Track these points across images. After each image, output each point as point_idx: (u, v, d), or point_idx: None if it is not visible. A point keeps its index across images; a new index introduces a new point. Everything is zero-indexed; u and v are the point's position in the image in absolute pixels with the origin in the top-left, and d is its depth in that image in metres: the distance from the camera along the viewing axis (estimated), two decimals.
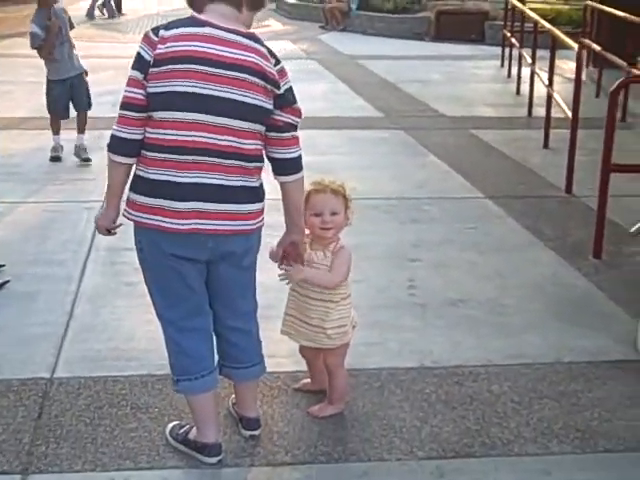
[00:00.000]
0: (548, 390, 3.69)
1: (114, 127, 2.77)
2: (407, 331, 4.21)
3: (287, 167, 2.88)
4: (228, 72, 2.67)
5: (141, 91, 2.69)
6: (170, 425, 3.25)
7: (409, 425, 3.39)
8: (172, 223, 2.72)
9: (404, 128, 9.01)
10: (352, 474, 3.08)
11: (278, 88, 2.76)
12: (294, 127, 2.85)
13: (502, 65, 13.40)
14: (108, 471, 3.02)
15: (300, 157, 2.91)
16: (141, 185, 2.77)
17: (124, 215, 2.87)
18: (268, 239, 3.17)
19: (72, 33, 7.28)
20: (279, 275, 3.20)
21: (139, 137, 2.75)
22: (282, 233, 3.16)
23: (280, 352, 3.75)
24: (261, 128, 2.79)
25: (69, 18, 7.23)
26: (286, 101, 2.79)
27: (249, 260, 2.95)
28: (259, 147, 2.82)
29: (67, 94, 7.09)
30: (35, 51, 6.99)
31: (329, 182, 3.19)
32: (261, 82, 2.71)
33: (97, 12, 20.49)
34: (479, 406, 3.54)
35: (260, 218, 2.90)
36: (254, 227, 2.87)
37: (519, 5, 11.95)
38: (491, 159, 7.89)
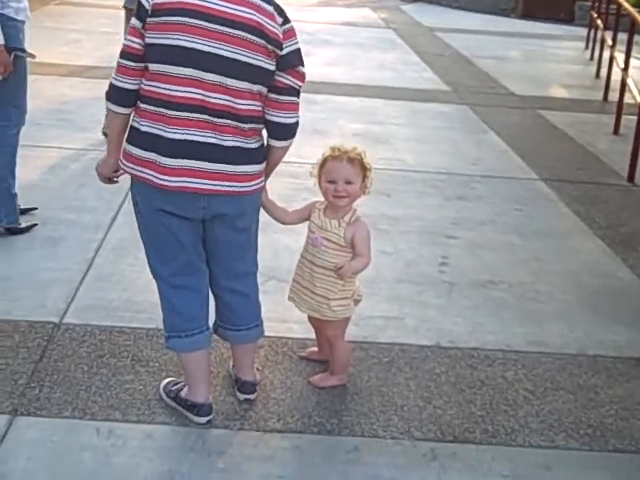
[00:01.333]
0: (566, 382, 3.52)
1: (112, 75, 2.70)
2: (428, 308, 4.07)
3: (281, 131, 2.75)
4: (224, 28, 2.54)
5: (139, 40, 2.60)
6: (165, 381, 3.20)
7: (411, 404, 3.27)
8: (160, 179, 2.64)
9: (469, 104, 8.78)
10: (341, 448, 2.98)
11: (280, 49, 2.61)
12: (295, 91, 2.72)
13: (587, 47, 12.98)
14: (95, 420, 2.99)
15: (296, 124, 2.78)
16: (135, 137, 2.70)
17: (119, 165, 2.81)
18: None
19: None
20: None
21: (136, 87, 2.66)
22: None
23: (292, 317, 3.68)
24: (262, 89, 2.67)
25: None
26: (288, 63, 2.65)
27: (244, 222, 2.85)
28: (257, 108, 2.69)
29: None
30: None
31: (347, 149, 3.06)
32: (261, 41, 2.57)
33: None
34: (489, 391, 3.40)
35: (257, 181, 2.79)
36: (248, 189, 2.75)
37: None
38: (554, 141, 7.61)
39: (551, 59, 12.50)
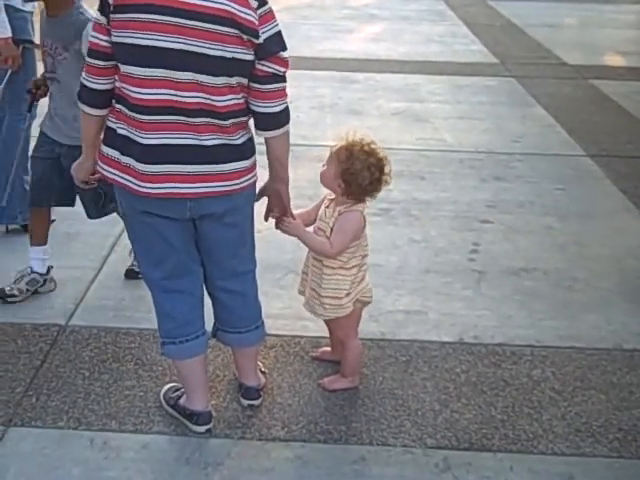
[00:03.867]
0: (597, 380, 3.27)
1: (82, 75, 2.53)
2: (454, 300, 3.85)
3: (267, 121, 2.53)
4: (194, 22, 2.31)
5: (105, 37, 2.40)
6: (166, 387, 3.07)
7: (427, 408, 3.07)
8: (142, 186, 2.47)
9: (516, 76, 8.43)
10: (347, 458, 2.80)
11: (257, 37, 2.37)
12: (278, 78, 2.49)
13: None
14: (90, 430, 2.87)
15: (284, 111, 2.55)
16: (111, 138, 2.52)
17: (97, 169, 2.65)
18: None
19: None
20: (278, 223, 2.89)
21: (108, 87, 2.48)
22: None
23: (307, 314, 3.44)
24: (243, 81, 2.45)
25: None
26: (267, 51, 2.42)
27: (234, 218, 2.65)
28: (239, 102, 2.48)
29: None
30: None
31: (353, 141, 2.82)
32: (233, 31, 2.34)
33: None
34: (512, 392, 3.18)
35: (247, 177, 2.59)
36: (238, 187, 2.56)
37: None
38: (605, 113, 7.23)
39: (608, 24, 11.97)
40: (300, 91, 7.56)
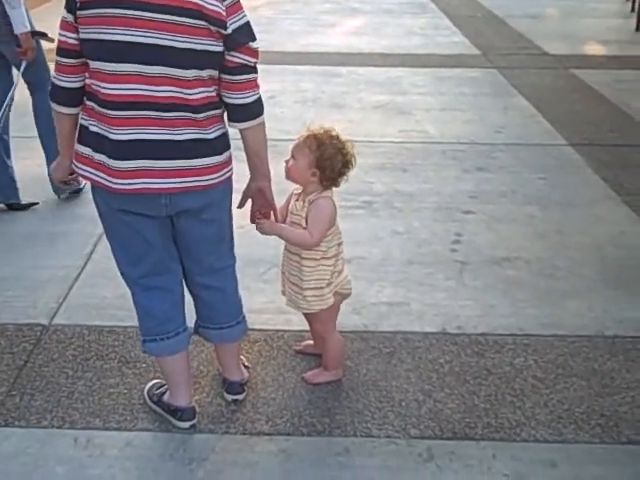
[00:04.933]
0: (579, 367, 3.29)
1: (52, 74, 2.52)
2: (436, 291, 3.86)
3: (239, 113, 2.53)
4: (161, 15, 2.31)
5: (73, 35, 2.39)
6: (150, 384, 3.07)
7: (410, 398, 3.09)
8: (116, 183, 2.46)
9: (498, 67, 8.46)
10: (331, 450, 2.81)
11: (225, 28, 2.37)
12: (249, 69, 2.48)
13: None
14: (74, 429, 2.87)
15: (256, 102, 2.55)
16: (84, 136, 2.51)
17: (73, 168, 2.64)
18: None
19: None
20: (255, 225, 2.89)
21: (78, 85, 2.47)
22: None
23: (290, 309, 3.49)
24: (214, 73, 2.45)
25: None
26: (236, 42, 2.42)
27: (211, 214, 2.65)
28: (211, 94, 2.48)
29: None
30: None
31: (316, 130, 2.84)
32: (202, 23, 2.34)
33: None
34: (494, 381, 3.19)
35: (222, 172, 2.58)
36: (213, 182, 2.56)
37: None
38: (587, 102, 7.26)
39: (589, 14, 12.01)
40: (283, 86, 7.57)
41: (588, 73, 8.26)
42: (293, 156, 2.82)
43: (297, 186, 2.94)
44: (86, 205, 4.74)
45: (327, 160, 2.76)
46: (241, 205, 2.79)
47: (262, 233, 2.87)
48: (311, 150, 2.76)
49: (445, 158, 5.70)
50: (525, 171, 5.45)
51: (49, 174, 2.85)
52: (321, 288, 2.92)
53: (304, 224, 2.84)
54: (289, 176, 2.85)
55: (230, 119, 2.56)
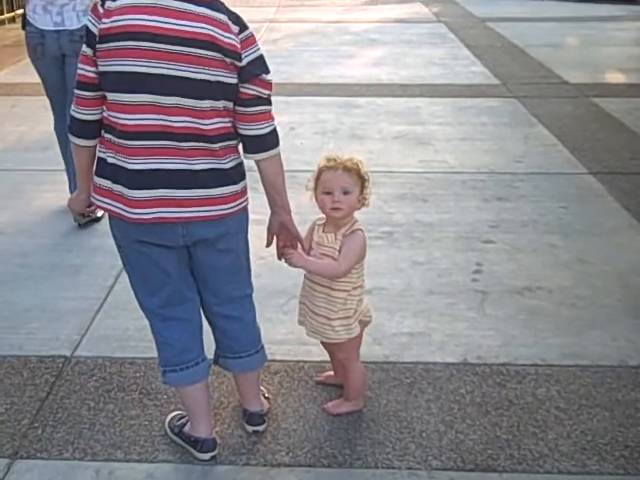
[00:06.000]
0: (602, 397, 3.26)
1: (71, 107, 2.57)
2: (458, 321, 3.85)
3: (254, 144, 2.57)
4: (176, 47, 2.36)
5: (92, 68, 2.46)
6: (171, 415, 3.08)
7: (431, 429, 3.07)
8: (134, 213, 2.50)
9: (518, 97, 8.46)
10: None
11: (239, 60, 2.43)
12: (263, 100, 2.53)
13: None
14: (96, 461, 2.88)
15: (271, 133, 2.58)
16: (102, 168, 2.56)
17: (91, 200, 2.68)
18: None
19: None
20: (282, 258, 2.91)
21: (96, 118, 2.52)
22: None
23: (311, 339, 3.49)
24: (228, 104, 2.49)
25: None
26: (250, 73, 2.46)
27: (227, 244, 2.68)
28: (226, 125, 2.52)
29: None
30: None
31: (343, 159, 2.88)
32: (217, 55, 2.39)
33: None
34: (517, 412, 3.17)
35: (238, 201, 2.61)
36: (229, 212, 2.59)
37: None
38: (607, 131, 7.24)
39: (609, 42, 12.02)
40: (303, 117, 7.62)
41: (608, 101, 8.25)
42: (346, 192, 2.81)
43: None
44: (108, 237, 4.76)
45: (367, 181, 2.86)
46: (269, 244, 2.82)
47: (291, 266, 2.87)
48: (358, 177, 2.82)
49: (465, 188, 5.70)
50: (546, 200, 5.44)
51: (69, 205, 2.89)
52: (348, 317, 2.93)
53: (337, 256, 2.85)
54: (347, 213, 2.85)
55: (245, 151, 2.60)
